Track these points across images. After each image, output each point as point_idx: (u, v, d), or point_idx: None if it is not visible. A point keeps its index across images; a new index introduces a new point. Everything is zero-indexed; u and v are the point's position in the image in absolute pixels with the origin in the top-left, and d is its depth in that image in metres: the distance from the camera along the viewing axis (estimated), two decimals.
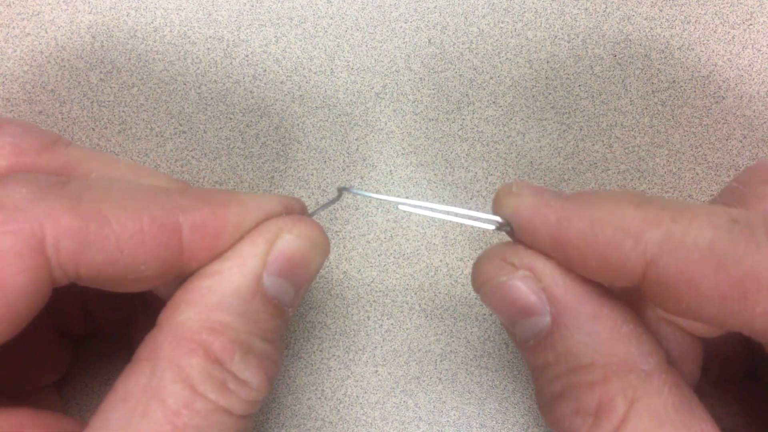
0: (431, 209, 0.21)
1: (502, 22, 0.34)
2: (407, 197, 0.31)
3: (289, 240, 0.20)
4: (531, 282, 0.19)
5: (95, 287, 0.19)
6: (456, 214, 0.21)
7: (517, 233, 0.19)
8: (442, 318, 0.29)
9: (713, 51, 0.34)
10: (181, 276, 0.20)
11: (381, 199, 0.24)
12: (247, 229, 0.20)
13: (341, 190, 0.23)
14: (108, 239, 0.18)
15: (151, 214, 0.18)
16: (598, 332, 0.18)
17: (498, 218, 0.20)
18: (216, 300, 0.19)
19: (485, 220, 0.20)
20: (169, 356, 0.18)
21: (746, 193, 0.20)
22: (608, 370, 0.18)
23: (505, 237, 0.21)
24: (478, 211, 0.21)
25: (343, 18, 0.34)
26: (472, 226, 0.21)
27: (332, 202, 0.24)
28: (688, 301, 0.16)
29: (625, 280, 0.17)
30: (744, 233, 0.16)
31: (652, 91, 0.33)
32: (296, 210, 0.22)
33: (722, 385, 0.24)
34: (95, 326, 0.26)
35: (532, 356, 0.19)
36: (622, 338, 0.18)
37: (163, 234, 0.18)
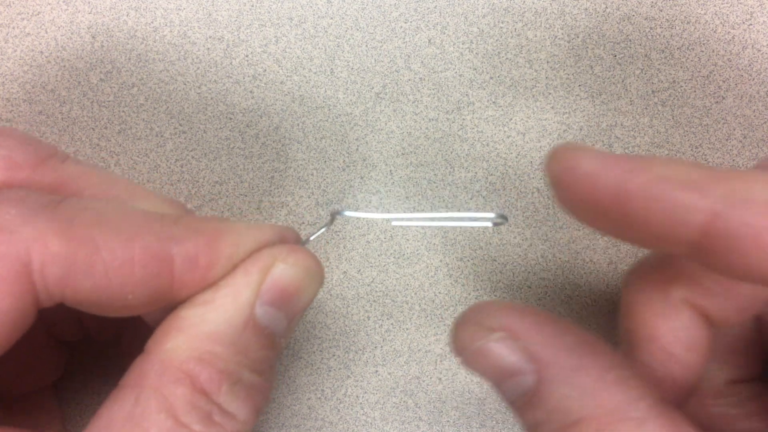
0: (424, 218, 0.21)
1: (502, 22, 0.34)
2: (407, 197, 0.31)
3: (284, 269, 0.20)
4: (509, 342, 0.18)
5: (81, 309, 0.19)
6: (449, 218, 0.21)
7: (564, 192, 0.19)
8: (442, 318, 0.29)
9: (713, 51, 0.34)
10: (170, 305, 0.19)
11: (374, 218, 0.23)
12: (240, 259, 0.19)
13: (334, 215, 0.23)
14: (96, 267, 0.17)
15: (144, 244, 0.18)
16: (583, 384, 0.18)
17: (493, 214, 0.19)
18: (207, 329, 0.18)
19: (480, 219, 0.20)
20: (155, 385, 0.17)
21: None
22: (599, 423, 0.17)
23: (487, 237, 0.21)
24: (473, 212, 0.20)
25: (343, 18, 0.34)
26: (469, 227, 0.21)
27: (324, 227, 0.23)
28: (751, 256, 0.16)
29: (684, 239, 0.17)
30: None
31: (652, 91, 0.33)
32: (290, 239, 0.21)
33: (738, 386, 0.24)
34: (87, 334, 0.26)
35: (523, 415, 0.19)
36: (608, 387, 0.18)
37: (154, 264, 0.18)
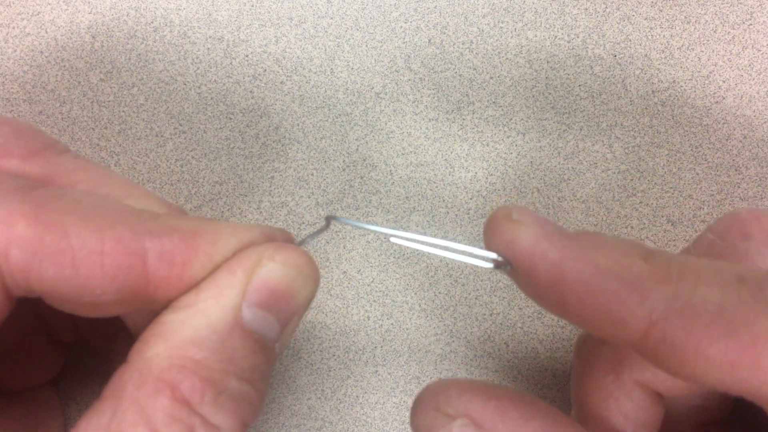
0: (423, 242, 0.20)
1: (502, 22, 0.34)
2: (407, 197, 0.31)
3: (271, 268, 0.18)
4: (471, 430, 0.18)
5: (52, 305, 0.18)
6: (450, 249, 0.19)
7: (516, 270, 0.18)
8: (442, 318, 0.29)
9: (713, 51, 0.34)
10: (149, 307, 0.18)
11: (370, 230, 0.22)
12: (222, 259, 0.18)
13: (329, 219, 0.21)
14: (63, 254, 0.16)
15: (116, 235, 0.17)
16: None
17: (495, 255, 0.18)
18: (189, 334, 0.17)
19: (482, 257, 0.19)
20: (133, 396, 0.16)
21: (726, 249, 0.19)
22: None
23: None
24: (471, 241, 0.19)
25: (343, 18, 0.34)
26: (467, 263, 0.20)
27: (320, 231, 0.22)
28: (694, 365, 0.15)
29: (624, 337, 0.16)
30: (753, 293, 0.15)
31: (652, 91, 0.33)
32: (279, 240, 0.20)
33: (707, 428, 0.23)
34: (83, 337, 0.26)
35: None
36: None
37: (125, 258, 0.17)
